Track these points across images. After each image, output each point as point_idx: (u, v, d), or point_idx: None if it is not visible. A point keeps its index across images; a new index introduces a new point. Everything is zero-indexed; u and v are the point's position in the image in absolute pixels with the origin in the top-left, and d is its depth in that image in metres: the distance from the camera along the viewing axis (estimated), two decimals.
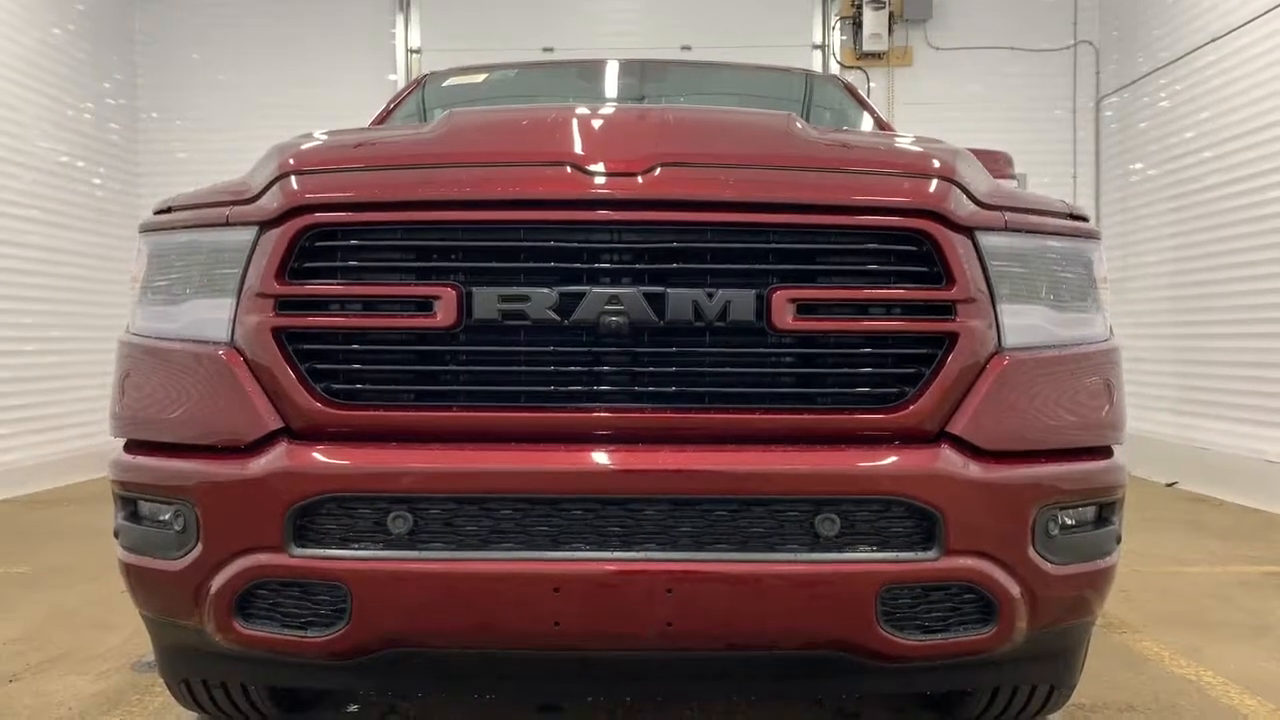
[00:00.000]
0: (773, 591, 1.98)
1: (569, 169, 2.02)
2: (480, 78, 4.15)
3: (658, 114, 2.38)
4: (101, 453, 8.22)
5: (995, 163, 3.91)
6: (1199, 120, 7.68)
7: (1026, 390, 2.12)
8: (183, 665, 2.40)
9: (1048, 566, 2.11)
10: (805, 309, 2.01)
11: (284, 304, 2.05)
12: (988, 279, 2.10)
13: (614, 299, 1.97)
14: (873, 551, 2.01)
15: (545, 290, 1.98)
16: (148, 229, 2.33)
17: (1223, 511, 6.71)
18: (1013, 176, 3.97)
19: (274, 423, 2.05)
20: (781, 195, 2.03)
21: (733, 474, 1.97)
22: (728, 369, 2.02)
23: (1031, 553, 2.09)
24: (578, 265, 2.00)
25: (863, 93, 4.87)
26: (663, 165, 2.03)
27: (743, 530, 1.99)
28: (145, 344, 2.25)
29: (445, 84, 4.14)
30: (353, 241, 2.04)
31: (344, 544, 2.01)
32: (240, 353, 2.09)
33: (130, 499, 2.23)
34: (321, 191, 2.06)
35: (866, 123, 4.10)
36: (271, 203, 2.08)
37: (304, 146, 2.22)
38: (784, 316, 1.99)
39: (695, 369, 2.01)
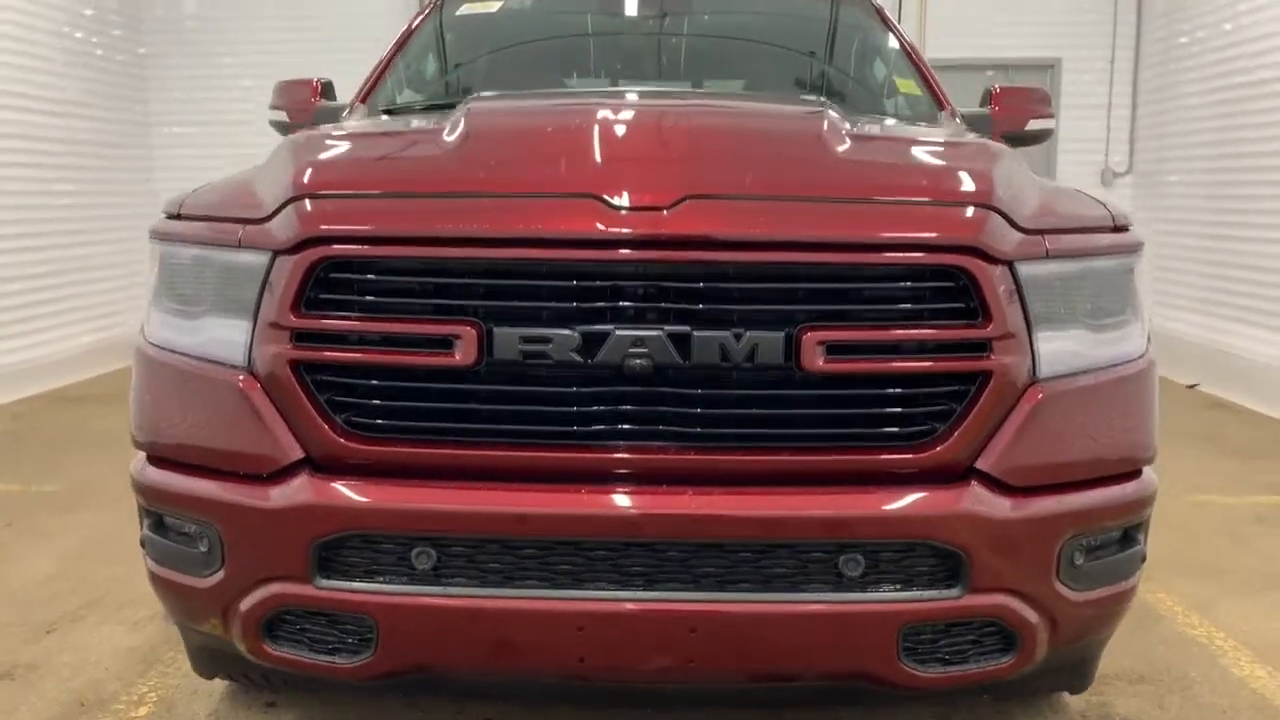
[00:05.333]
0: (795, 630, 1.99)
1: (593, 203, 1.94)
2: (495, 6, 3.97)
3: (685, 130, 2.26)
4: (124, 342, 8.33)
5: (1030, 101, 3.76)
6: (1257, 5, 7.29)
7: (1059, 422, 2.07)
8: (214, 666, 2.46)
9: (1070, 594, 2.11)
10: (835, 349, 1.95)
11: (301, 336, 2.00)
12: (1025, 311, 2.03)
13: (638, 341, 1.91)
14: (896, 590, 2.01)
15: (567, 331, 1.92)
16: (159, 237, 2.26)
17: (1242, 421, 6.70)
18: (1050, 115, 3.82)
19: (295, 453, 2.03)
20: (813, 233, 1.94)
21: (757, 519, 1.96)
22: (753, 410, 1.98)
23: (1055, 583, 2.08)
24: (601, 304, 1.93)
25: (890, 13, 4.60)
26: (690, 198, 1.94)
27: (766, 570, 1.99)
28: (162, 357, 2.22)
29: (460, 12, 3.96)
30: (369, 276, 1.98)
31: (369, 577, 2.02)
32: (259, 380, 2.05)
33: (155, 512, 2.24)
34: (335, 222, 1.99)
35: (892, 44, 3.92)
36: (284, 230, 2.01)
37: (316, 161, 2.13)
38: (813, 359, 1.93)
39: (720, 410, 1.97)
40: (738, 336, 1.92)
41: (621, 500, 1.96)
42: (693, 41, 4.29)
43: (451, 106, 3.21)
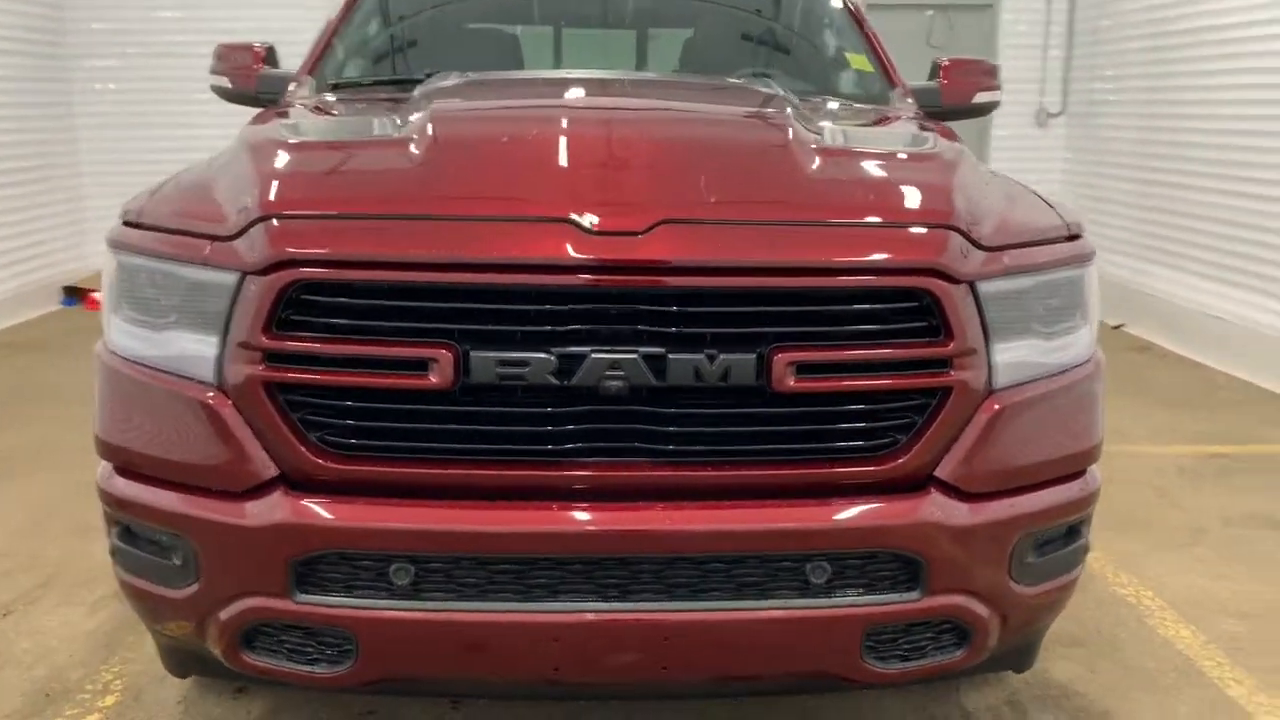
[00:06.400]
0: (764, 635, 2.08)
1: (568, 228, 1.95)
2: None
3: (657, 149, 2.25)
4: (51, 285, 8.14)
5: (977, 74, 3.80)
6: None
7: (1014, 430, 2.16)
8: (187, 666, 2.48)
9: (1021, 589, 2.22)
10: (804, 369, 2.00)
11: (273, 356, 2.00)
12: (984, 326, 2.10)
13: (614, 364, 1.95)
14: (860, 595, 2.10)
15: (543, 355, 1.95)
16: (118, 246, 2.22)
17: (1166, 365, 6.95)
18: (996, 88, 3.86)
19: (269, 471, 2.05)
20: (785, 257, 1.98)
21: (728, 533, 2.02)
22: (724, 428, 2.03)
23: (1008, 581, 2.19)
24: (577, 327, 1.96)
25: None
26: (664, 223, 1.97)
27: (737, 579, 2.06)
28: (127, 369, 2.19)
29: None
30: (342, 299, 1.97)
31: (347, 591, 2.05)
32: (230, 397, 2.05)
33: (124, 522, 2.23)
34: (306, 246, 1.97)
35: (843, 15, 3.90)
36: (253, 251, 1.99)
37: (282, 176, 2.11)
38: (784, 378, 1.98)
39: (692, 428, 2.02)
40: (711, 358, 1.97)
41: (597, 516, 2.01)
42: None
43: (402, 83, 3.18)
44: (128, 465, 2.21)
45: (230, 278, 2.02)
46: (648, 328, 1.97)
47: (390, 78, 3.44)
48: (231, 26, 8.27)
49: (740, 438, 2.04)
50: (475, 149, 2.27)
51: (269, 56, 3.70)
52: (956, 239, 2.07)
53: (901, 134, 2.78)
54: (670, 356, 1.96)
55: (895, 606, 2.10)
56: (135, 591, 2.26)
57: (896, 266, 2.02)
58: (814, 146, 2.28)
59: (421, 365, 1.97)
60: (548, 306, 1.96)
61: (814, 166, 2.20)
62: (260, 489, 2.05)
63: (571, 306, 1.96)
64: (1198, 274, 7.17)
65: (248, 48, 3.68)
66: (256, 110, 3.25)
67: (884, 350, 2.03)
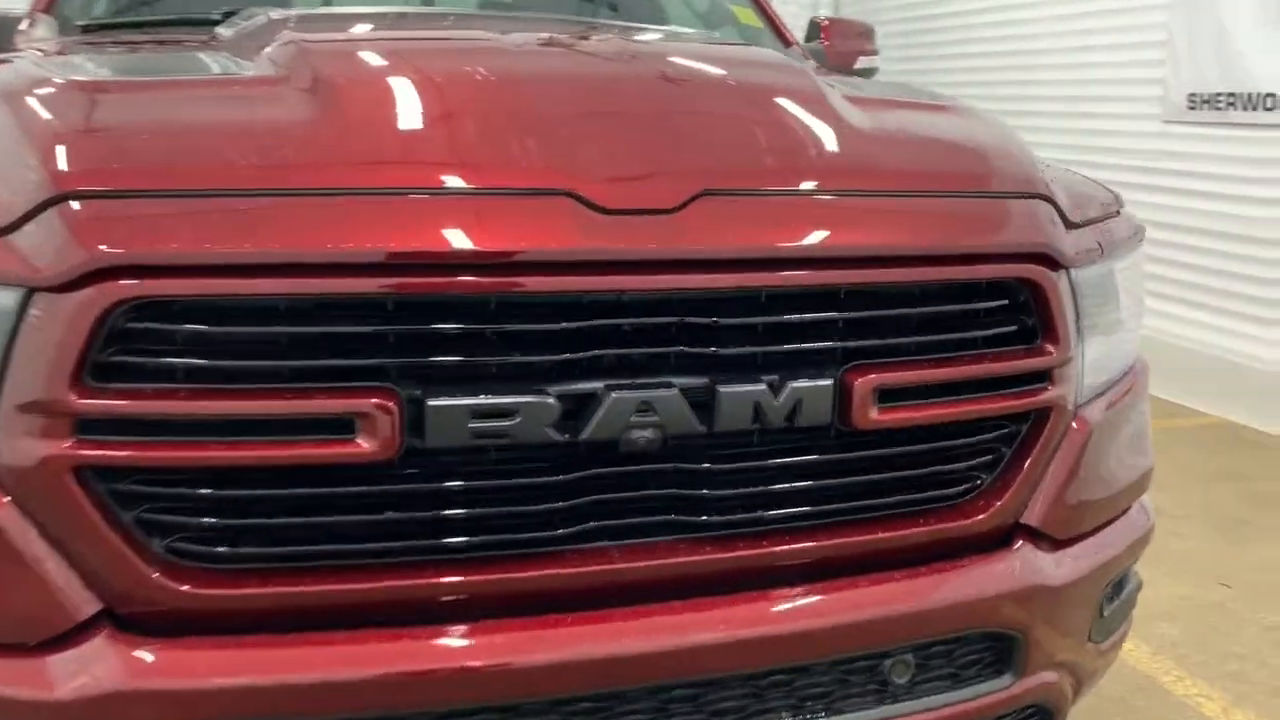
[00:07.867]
0: None
1: (570, 204, 1.29)
2: None
3: (670, 89, 1.59)
4: None
5: (857, 36, 3.41)
6: None
7: (1099, 454, 1.71)
8: None
9: (1098, 648, 1.80)
10: (889, 396, 1.44)
11: (89, 425, 1.22)
12: (1079, 327, 1.62)
13: (644, 405, 1.31)
14: (946, 693, 1.57)
15: (538, 398, 1.28)
16: None
17: None
18: (875, 52, 3.48)
19: (85, 606, 1.26)
20: (870, 241, 1.41)
21: (800, 634, 1.43)
22: (790, 485, 1.44)
23: (1087, 643, 1.75)
24: (588, 354, 1.31)
25: None
26: (705, 195, 1.34)
27: (798, 692, 1.48)
28: None
29: None
30: (204, 326, 1.22)
31: None
32: (9, 492, 1.25)
33: None
34: (139, 241, 1.20)
35: None
36: (49, 251, 1.19)
37: (89, 129, 1.32)
38: (865, 409, 1.41)
39: (747, 490, 1.42)
40: (774, 388, 1.36)
41: (619, 629, 1.35)
42: None
43: (187, 24, 2.36)
44: None
45: (6, 298, 1.22)
46: (688, 349, 1.34)
47: (163, 18, 2.56)
48: None
49: (807, 497, 1.45)
50: (407, 96, 1.50)
51: None
52: (1053, 213, 1.58)
53: (897, 88, 2.27)
54: (720, 390, 1.34)
55: (985, 699, 1.60)
56: None
57: (1002, 250, 1.49)
58: (846, 97, 1.70)
59: (344, 425, 1.24)
60: (543, 325, 1.29)
61: (864, 122, 1.62)
62: (71, 636, 1.26)
63: (578, 323, 1.30)
64: None
65: None
66: None
67: (984, 365, 1.50)
